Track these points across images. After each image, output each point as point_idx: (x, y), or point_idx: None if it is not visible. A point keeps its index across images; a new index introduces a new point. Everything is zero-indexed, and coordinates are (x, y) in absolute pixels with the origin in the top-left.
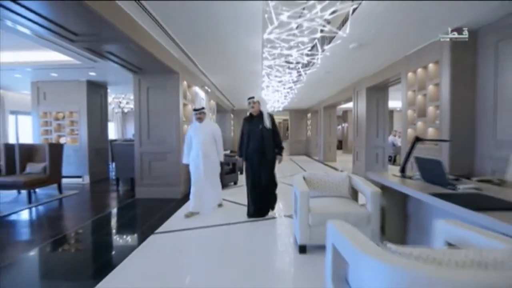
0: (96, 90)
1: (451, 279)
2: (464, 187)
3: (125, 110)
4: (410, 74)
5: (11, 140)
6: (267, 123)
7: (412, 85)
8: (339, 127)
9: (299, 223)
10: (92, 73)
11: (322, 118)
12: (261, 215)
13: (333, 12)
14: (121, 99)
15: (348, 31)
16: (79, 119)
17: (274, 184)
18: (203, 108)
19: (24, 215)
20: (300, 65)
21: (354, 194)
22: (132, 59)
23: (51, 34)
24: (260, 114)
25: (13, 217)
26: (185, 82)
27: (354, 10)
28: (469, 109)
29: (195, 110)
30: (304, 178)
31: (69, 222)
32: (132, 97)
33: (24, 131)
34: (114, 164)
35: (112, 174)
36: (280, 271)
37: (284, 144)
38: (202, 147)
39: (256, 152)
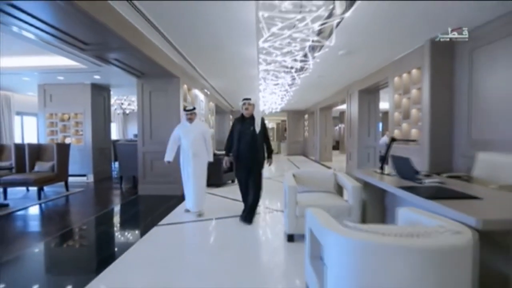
0: (100, 93)
1: (389, 244)
2: (429, 181)
3: (127, 111)
4: (396, 79)
5: (17, 140)
6: (259, 126)
7: (398, 89)
8: (337, 127)
9: (287, 215)
10: (97, 76)
11: (318, 119)
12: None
13: (322, 24)
14: (123, 100)
15: (334, 42)
16: (83, 120)
17: (259, 187)
18: (194, 108)
19: (36, 210)
20: (294, 70)
21: (339, 189)
22: (135, 64)
23: (64, 44)
24: (252, 116)
25: (25, 211)
26: (185, 86)
27: (338, 23)
28: (447, 111)
29: (186, 110)
30: (293, 175)
31: (77, 216)
32: (133, 99)
33: (28, 131)
34: (117, 163)
35: (115, 173)
36: (270, 256)
37: (282, 145)
38: (193, 147)
39: (247, 153)
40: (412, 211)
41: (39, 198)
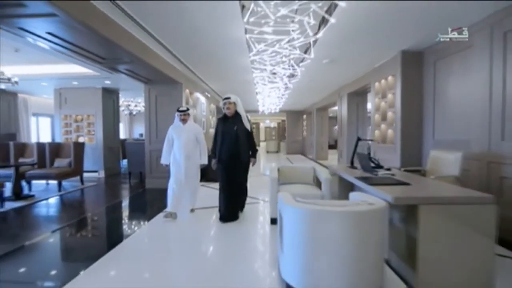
0: (110, 96)
1: (322, 210)
2: (382, 173)
3: (133, 112)
4: (377, 84)
5: (33, 139)
6: (247, 125)
7: (378, 93)
8: (336, 127)
9: (270, 202)
10: (107, 82)
11: (315, 119)
12: (234, 218)
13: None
14: (130, 102)
15: (314, 55)
16: (95, 121)
17: (245, 188)
18: (188, 109)
19: (57, 200)
20: (285, 76)
21: (319, 182)
22: (143, 73)
23: (84, 58)
24: (236, 115)
25: (48, 201)
26: (187, 90)
27: (315, 41)
28: (417, 115)
29: (179, 111)
30: (278, 170)
31: (93, 206)
32: (139, 100)
33: (43, 131)
34: (126, 160)
35: (123, 170)
36: (255, 236)
37: (282, 144)
38: (185, 149)
39: (231, 154)
40: (359, 194)
41: (59, 190)
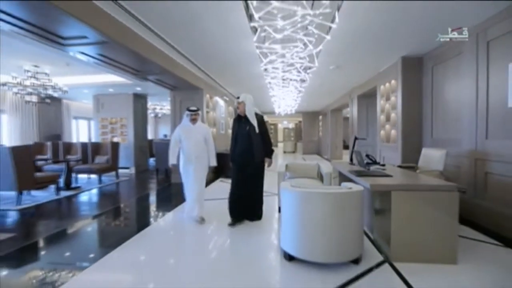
0: (139, 100)
1: (311, 192)
2: (374, 168)
3: (159, 115)
4: (382, 87)
5: (74, 139)
6: (254, 123)
7: (383, 96)
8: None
9: (278, 193)
10: (138, 88)
11: (329, 120)
12: (246, 218)
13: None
14: (155, 106)
15: (318, 64)
16: (127, 123)
17: (260, 195)
18: (198, 109)
19: (98, 191)
20: (296, 82)
21: (323, 177)
22: (170, 82)
23: (122, 71)
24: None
25: (91, 192)
26: (207, 95)
27: (318, 52)
28: (417, 116)
29: (190, 110)
30: (286, 166)
31: (126, 196)
32: (164, 104)
33: (81, 132)
34: (154, 157)
35: (151, 166)
36: (264, 219)
37: (299, 144)
38: (196, 150)
39: (243, 154)
40: (348, 183)
41: (100, 183)
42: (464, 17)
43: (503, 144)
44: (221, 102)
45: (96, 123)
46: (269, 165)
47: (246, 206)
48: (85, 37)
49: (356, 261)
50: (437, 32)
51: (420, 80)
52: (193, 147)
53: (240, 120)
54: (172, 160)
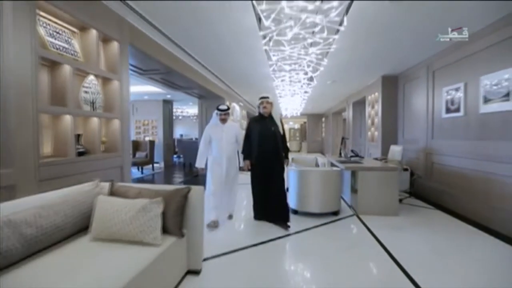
0: (167, 105)
1: (309, 170)
2: (354, 159)
3: (179, 117)
4: (369, 97)
5: None
6: (278, 123)
7: (370, 104)
8: None
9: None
10: (168, 96)
11: (330, 122)
12: (278, 222)
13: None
14: (177, 109)
15: (316, 82)
16: (157, 124)
17: (285, 196)
18: (228, 108)
19: (141, 180)
20: (300, 92)
21: (319, 165)
22: (199, 92)
23: (162, 85)
24: (271, 116)
25: (137, 181)
26: (227, 102)
27: (315, 72)
28: (393, 121)
29: (220, 110)
30: (292, 158)
31: (173, 181)
32: (184, 107)
33: None
34: (181, 154)
35: (176, 162)
36: None
37: (303, 144)
38: (227, 150)
39: (270, 156)
40: (334, 168)
41: (142, 173)
42: (422, 52)
43: (440, 142)
44: (237, 107)
45: (132, 124)
46: (287, 165)
47: (272, 209)
48: (158, 69)
49: (336, 213)
50: (408, 58)
51: (395, 93)
52: (225, 148)
53: (263, 120)
54: (199, 163)
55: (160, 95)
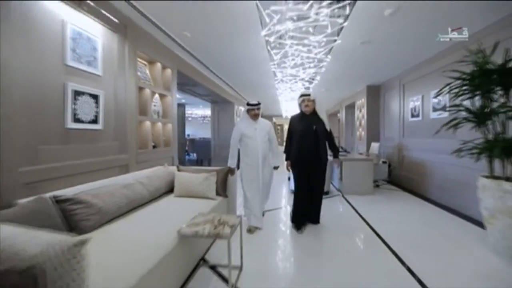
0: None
1: None
2: (342, 153)
3: (189, 118)
4: (358, 102)
5: None
6: (325, 121)
7: (358, 108)
8: None
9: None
10: (183, 100)
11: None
12: (310, 221)
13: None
14: (187, 111)
15: (312, 90)
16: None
17: (321, 196)
18: (259, 103)
19: None
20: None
21: None
22: (213, 98)
23: (190, 94)
24: (314, 113)
25: None
26: (236, 106)
27: (311, 82)
28: (376, 122)
29: (251, 105)
30: None
31: None
32: (194, 109)
33: None
34: (193, 151)
35: (186, 159)
36: (282, 182)
37: None
38: (261, 149)
39: (310, 157)
40: None
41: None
42: (396, 69)
43: (408, 140)
44: (242, 110)
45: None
46: (338, 166)
47: (308, 211)
48: (188, 83)
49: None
50: (385, 73)
51: (378, 100)
52: (259, 147)
53: (304, 118)
54: (231, 163)
55: (177, 100)
